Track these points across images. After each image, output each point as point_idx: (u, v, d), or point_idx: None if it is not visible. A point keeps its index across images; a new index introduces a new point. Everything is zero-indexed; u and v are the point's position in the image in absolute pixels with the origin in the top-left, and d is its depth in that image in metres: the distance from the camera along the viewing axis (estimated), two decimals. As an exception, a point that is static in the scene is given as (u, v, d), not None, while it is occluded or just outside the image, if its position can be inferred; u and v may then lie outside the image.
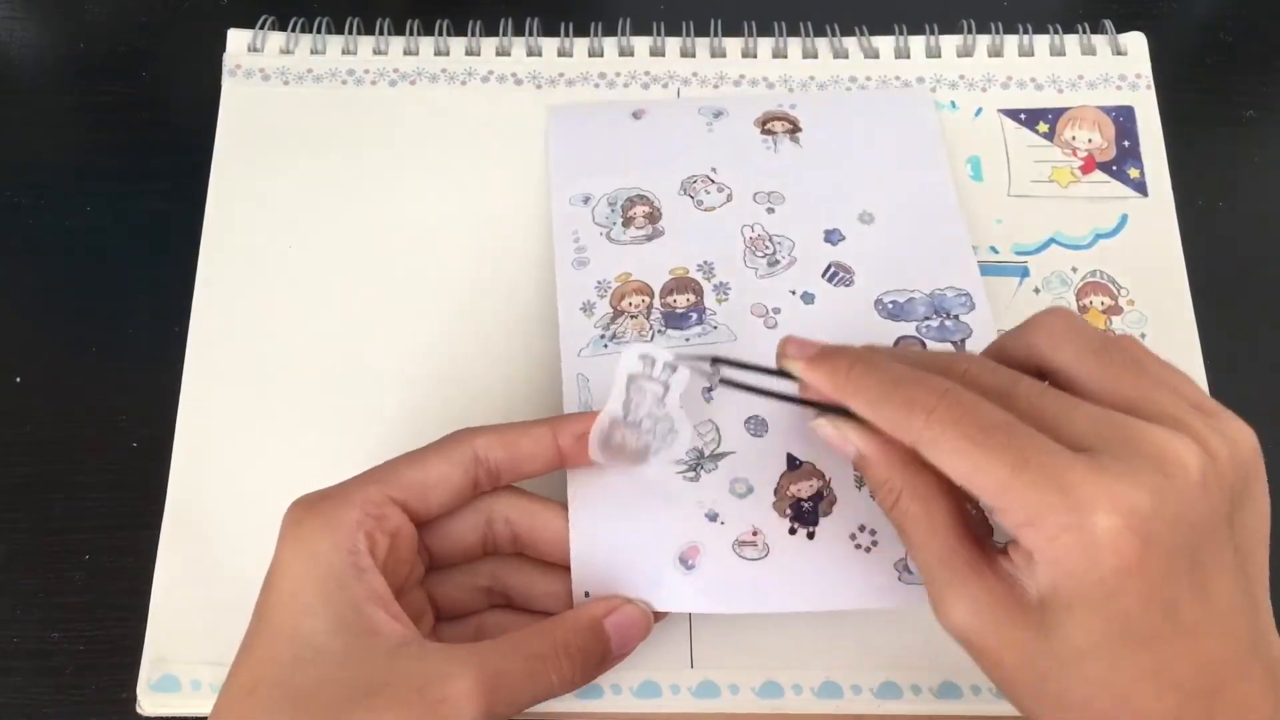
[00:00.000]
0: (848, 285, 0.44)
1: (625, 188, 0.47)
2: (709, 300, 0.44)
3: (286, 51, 0.50)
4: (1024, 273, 0.46)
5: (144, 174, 0.49)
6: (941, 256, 0.45)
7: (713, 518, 0.39)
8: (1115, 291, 0.46)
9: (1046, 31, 0.50)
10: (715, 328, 0.43)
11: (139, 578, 0.41)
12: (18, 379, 0.45)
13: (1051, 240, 0.46)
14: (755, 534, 0.39)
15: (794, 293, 0.44)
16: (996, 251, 0.46)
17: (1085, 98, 0.49)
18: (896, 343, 0.43)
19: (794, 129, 0.48)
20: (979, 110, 0.49)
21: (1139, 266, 0.46)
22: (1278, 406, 0.45)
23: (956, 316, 0.43)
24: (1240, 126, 0.50)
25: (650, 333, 0.43)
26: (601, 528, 0.38)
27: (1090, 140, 0.48)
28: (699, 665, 0.39)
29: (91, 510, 0.43)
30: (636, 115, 0.48)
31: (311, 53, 0.50)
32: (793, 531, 0.39)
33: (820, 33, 0.50)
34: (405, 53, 0.50)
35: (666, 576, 0.38)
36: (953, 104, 0.49)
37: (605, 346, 0.43)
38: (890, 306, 0.44)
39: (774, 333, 0.43)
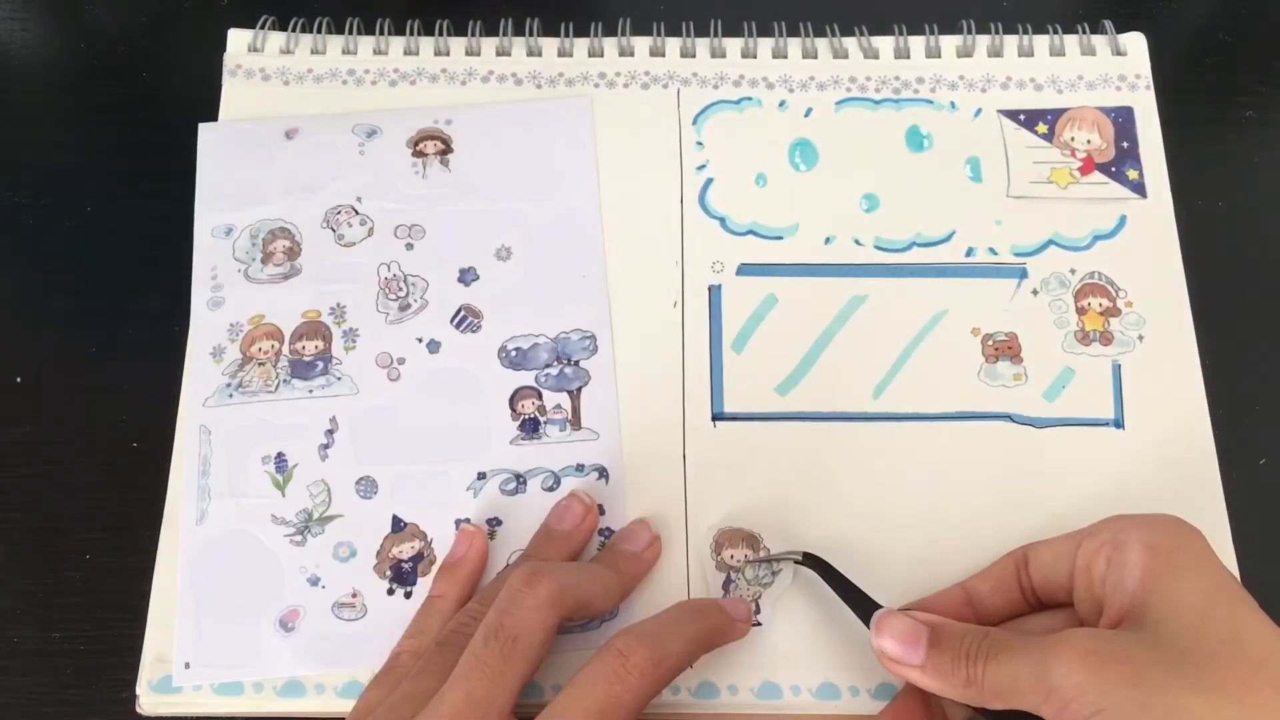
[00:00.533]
0: (474, 331, 0.44)
1: (268, 219, 0.46)
2: (336, 348, 0.44)
3: (287, 51, 0.50)
4: (1022, 274, 0.46)
5: (144, 174, 0.49)
6: (575, 292, 0.45)
7: (314, 582, 0.41)
8: (1113, 293, 0.45)
9: (1046, 32, 0.50)
10: (339, 379, 0.44)
11: (139, 578, 0.41)
12: (18, 379, 0.45)
13: (1050, 241, 0.46)
14: (354, 596, 0.41)
15: (421, 340, 0.44)
16: (995, 253, 0.46)
17: (1085, 98, 0.49)
18: (515, 394, 0.43)
19: (446, 149, 0.47)
20: (978, 111, 0.49)
21: (1137, 268, 0.46)
22: (1275, 408, 0.45)
23: (577, 363, 0.44)
24: (1240, 126, 0.50)
25: (276, 382, 0.43)
26: (207, 596, 0.40)
27: (1089, 141, 0.48)
28: (697, 665, 0.39)
29: (91, 510, 0.43)
30: (289, 135, 0.48)
31: (312, 53, 0.50)
32: (390, 592, 0.41)
33: (820, 33, 0.50)
34: (406, 53, 0.50)
35: (266, 641, 0.40)
36: (952, 104, 0.49)
37: (230, 397, 0.43)
38: (513, 354, 0.44)
39: (397, 385, 0.44)
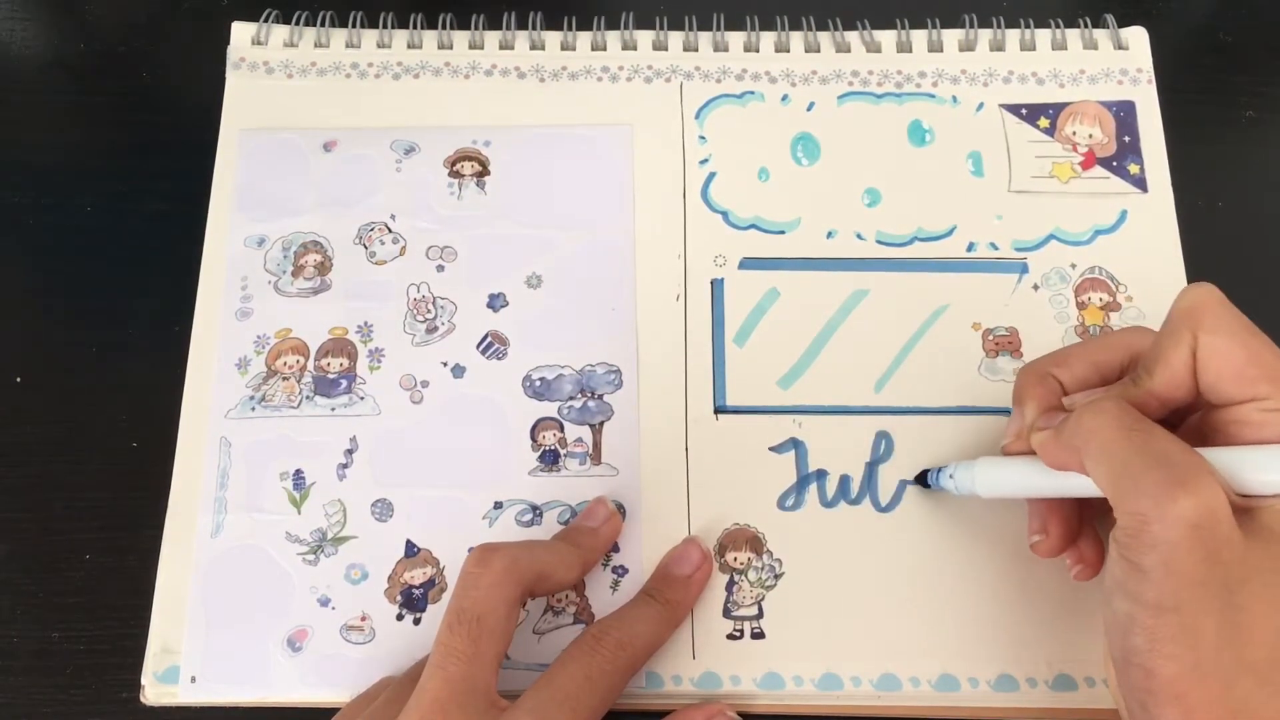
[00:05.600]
0: (500, 358, 0.44)
1: (301, 232, 0.46)
2: (361, 366, 0.44)
3: (290, 45, 0.50)
4: (1023, 269, 0.46)
5: (144, 174, 0.49)
6: (603, 325, 0.45)
7: (324, 602, 0.41)
8: (1114, 288, 0.45)
9: (1048, 26, 0.50)
10: (363, 398, 0.43)
11: (139, 578, 0.41)
12: (18, 379, 0.45)
13: (1051, 236, 0.46)
14: (364, 619, 0.40)
15: (446, 364, 0.44)
16: (996, 248, 0.46)
17: (1086, 92, 0.49)
18: (536, 425, 0.43)
19: (483, 171, 0.47)
20: (980, 105, 0.49)
21: (1138, 263, 0.46)
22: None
23: (601, 396, 0.44)
24: (1240, 127, 0.50)
25: (299, 398, 0.43)
26: (217, 610, 0.40)
27: (1091, 135, 0.48)
28: (701, 656, 0.39)
29: (91, 510, 0.43)
30: (327, 147, 0.47)
31: (315, 46, 0.50)
32: (400, 618, 0.40)
33: (823, 27, 0.50)
34: (409, 46, 0.50)
35: (273, 659, 0.40)
36: (954, 99, 0.49)
37: (253, 410, 0.43)
38: (538, 384, 0.44)
39: (419, 409, 0.43)
